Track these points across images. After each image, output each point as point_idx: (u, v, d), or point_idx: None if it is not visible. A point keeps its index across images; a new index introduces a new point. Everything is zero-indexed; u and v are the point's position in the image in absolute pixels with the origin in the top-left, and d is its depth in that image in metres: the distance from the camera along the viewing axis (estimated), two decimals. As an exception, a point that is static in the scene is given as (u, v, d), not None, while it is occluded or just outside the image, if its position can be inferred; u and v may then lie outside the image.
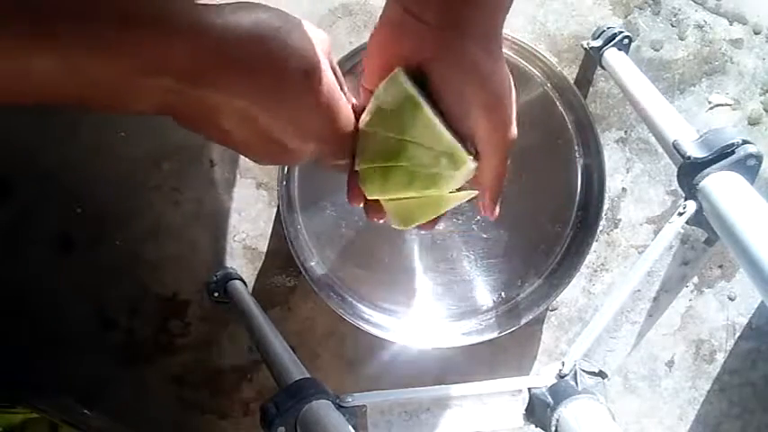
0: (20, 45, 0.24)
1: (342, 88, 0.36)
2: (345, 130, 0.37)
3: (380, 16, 0.37)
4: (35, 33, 0.25)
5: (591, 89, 0.80)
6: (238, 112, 0.32)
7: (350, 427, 0.50)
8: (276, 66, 0.31)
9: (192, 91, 0.30)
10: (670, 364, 0.86)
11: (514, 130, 0.38)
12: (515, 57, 0.70)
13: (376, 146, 0.38)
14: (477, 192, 0.39)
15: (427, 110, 0.36)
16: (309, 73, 0.32)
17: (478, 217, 0.74)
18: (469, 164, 0.37)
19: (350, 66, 0.67)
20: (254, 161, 0.37)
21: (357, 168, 0.39)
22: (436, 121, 0.36)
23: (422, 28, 0.35)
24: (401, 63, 0.36)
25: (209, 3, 0.30)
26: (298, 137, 0.35)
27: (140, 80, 0.28)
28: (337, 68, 0.36)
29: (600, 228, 0.80)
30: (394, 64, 0.37)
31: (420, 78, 0.37)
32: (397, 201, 0.40)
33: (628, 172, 0.82)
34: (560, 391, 0.57)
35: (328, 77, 0.34)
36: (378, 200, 0.40)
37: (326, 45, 0.35)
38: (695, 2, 0.80)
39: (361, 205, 0.42)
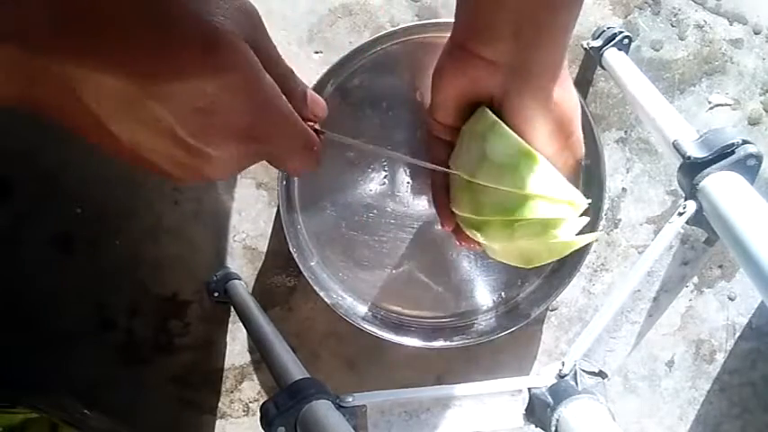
0: None
1: (287, 78, 0.30)
2: (281, 125, 0.29)
3: (444, 52, 0.38)
4: None
5: (591, 89, 0.80)
6: (117, 96, 0.23)
7: (350, 427, 0.50)
8: (157, 32, 0.22)
9: (47, 64, 0.22)
10: (670, 364, 0.86)
11: (582, 149, 0.40)
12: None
13: (496, 200, 0.38)
14: (600, 233, 0.43)
15: (544, 161, 0.38)
16: (211, 47, 0.24)
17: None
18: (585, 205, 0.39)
19: (350, 65, 0.67)
20: (172, 179, 0.28)
21: (469, 216, 0.40)
22: (554, 170, 0.38)
23: (491, 68, 0.36)
24: (469, 98, 0.38)
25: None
26: (208, 132, 0.26)
27: None
28: (269, 45, 0.29)
29: (600, 228, 0.80)
30: (462, 99, 0.38)
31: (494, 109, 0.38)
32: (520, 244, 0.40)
33: (628, 172, 0.82)
34: (560, 391, 0.57)
35: (245, 56, 0.26)
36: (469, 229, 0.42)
37: (253, 19, 0.27)
38: (695, 2, 0.80)
39: (450, 230, 0.42)
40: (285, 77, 0.30)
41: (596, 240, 0.43)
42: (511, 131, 0.37)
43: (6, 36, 0.20)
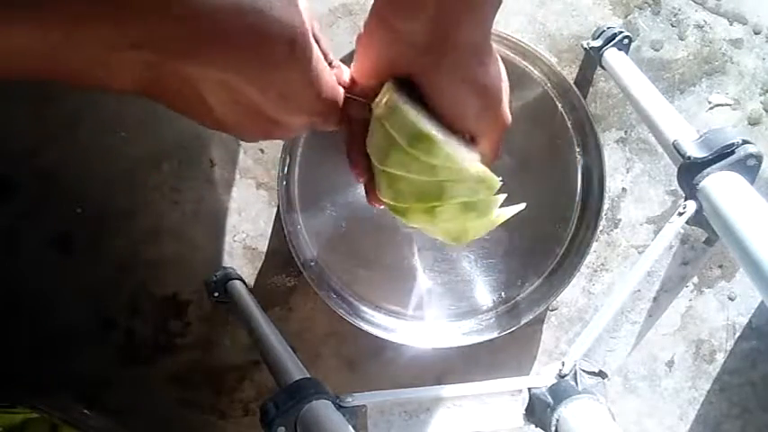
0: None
1: (326, 57, 0.36)
2: (333, 99, 0.36)
3: (365, 24, 0.38)
4: (12, 7, 0.22)
5: (591, 89, 0.80)
6: (222, 86, 0.30)
7: (350, 427, 0.50)
8: (259, 36, 0.28)
9: (170, 65, 0.27)
10: (670, 364, 0.86)
11: (508, 117, 0.39)
12: (515, 57, 0.70)
13: (411, 188, 0.38)
14: (524, 204, 0.42)
15: (445, 146, 0.36)
16: (294, 43, 0.30)
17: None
18: (498, 183, 0.39)
19: (350, 65, 0.67)
20: (244, 138, 0.37)
21: (389, 202, 0.40)
22: (456, 155, 0.36)
23: (410, 46, 0.36)
24: (389, 71, 0.37)
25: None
26: (286, 109, 0.33)
27: (115, 54, 0.26)
28: (320, 36, 0.35)
29: (600, 228, 0.80)
30: (382, 71, 0.38)
31: (412, 85, 0.37)
32: (445, 225, 0.40)
33: (628, 172, 0.82)
34: (560, 391, 0.57)
35: (313, 48, 0.32)
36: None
37: (309, 12, 0.33)
38: (695, 2, 0.80)
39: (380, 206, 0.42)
40: (326, 55, 0.36)
41: (522, 211, 0.42)
42: (410, 114, 0.35)
43: (145, 44, 0.25)
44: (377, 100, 0.37)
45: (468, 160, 0.37)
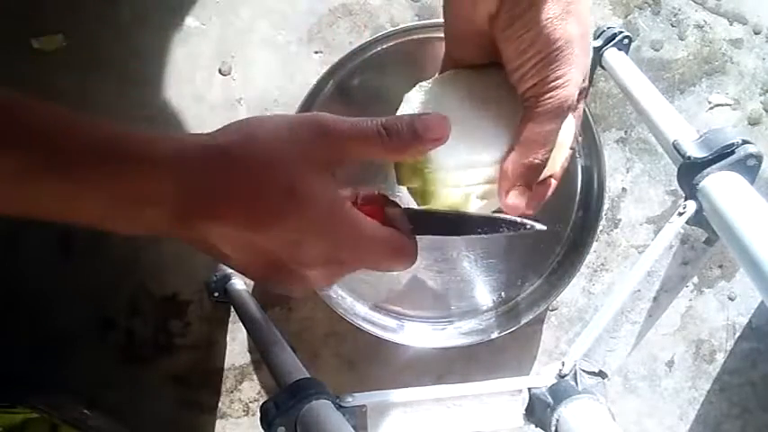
0: (21, 172, 0.27)
1: (373, 139, 0.33)
2: (362, 245, 0.33)
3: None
4: (32, 164, 0.27)
5: (591, 89, 0.80)
6: (232, 239, 0.31)
7: (350, 427, 0.50)
8: (255, 190, 0.30)
9: (178, 221, 0.30)
10: (670, 364, 0.86)
11: (571, 92, 0.34)
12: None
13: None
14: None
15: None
16: (290, 189, 0.30)
17: (478, 217, 0.74)
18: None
19: (350, 65, 0.67)
20: (271, 289, 0.37)
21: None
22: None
23: None
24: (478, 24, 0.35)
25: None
26: (306, 261, 0.33)
27: (127, 212, 0.29)
28: (348, 148, 0.33)
29: (600, 228, 0.79)
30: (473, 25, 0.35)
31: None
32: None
33: (628, 172, 0.82)
34: (560, 391, 0.57)
35: (319, 195, 0.31)
36: None
37: (321, 133, 0.32)
38: (695, 2, 0.80)
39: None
40: (367, 141, 0.33)
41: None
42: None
43: (165, 202, 0.29)
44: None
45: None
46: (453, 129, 0.34)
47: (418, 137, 0.33)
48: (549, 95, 0.34)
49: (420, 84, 0.38)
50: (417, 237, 0.36)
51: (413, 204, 0.38)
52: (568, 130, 0.36)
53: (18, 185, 0.27)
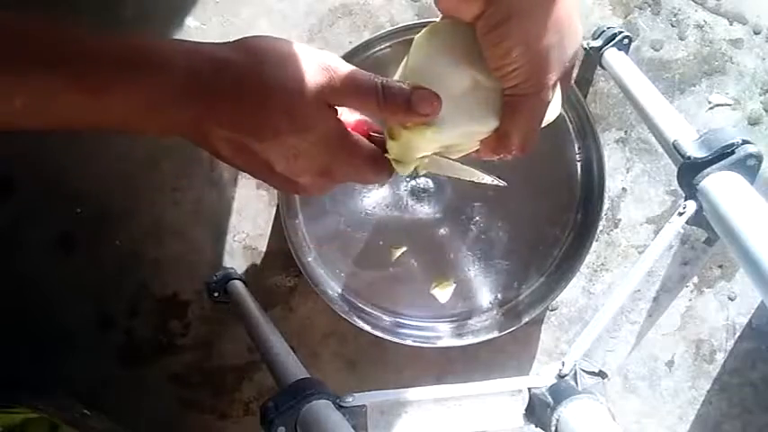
0: (50, 88, 0.30)
1: (368, 96, 0.35)
2: (349, 162, 0.37)
3: None
4: (61, 80, 0.30)
5: (591, 89, 0.80)
6: (233, 143, 0.34)
7: (350, 427, 0.50)
8: (258, 104, 0.33)
9: (189, 122, 0.33)
10: (670, 364, 0.86)
11: (548, 94, 0.36)
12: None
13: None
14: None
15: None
16: (290, 113, 0.34)
17: (477, 218, 0.74)
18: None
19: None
20: (274, 187, 0.39)
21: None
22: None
23: None
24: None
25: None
26: (298, 172, 0.36)
27: (146, 114, 0.33)
28: (349, 91, 0.35)
29: (600, 228, 0.79)
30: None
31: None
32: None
33: (628, 172, 0.82)
34: (560, 391, 0.57)
35: (318, 116, 0.35)
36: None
37: (328, 73, 0.35)
38: (695, 2, 0.80)
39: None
40: (365, 96, 0.36)
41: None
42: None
43: (178, 107, 0.33)
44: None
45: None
46: (443, 96, 0.36)
47: (410, 107, 0.35)
48: (527, 97, 0.36)
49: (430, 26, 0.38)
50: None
51: None
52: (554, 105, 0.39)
53: (43, 99, 0.30)
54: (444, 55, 0.37)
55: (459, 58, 0.36)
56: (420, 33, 0.38)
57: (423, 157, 0.39)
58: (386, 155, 0.39)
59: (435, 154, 0.40)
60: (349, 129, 0.38)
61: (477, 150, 0.40)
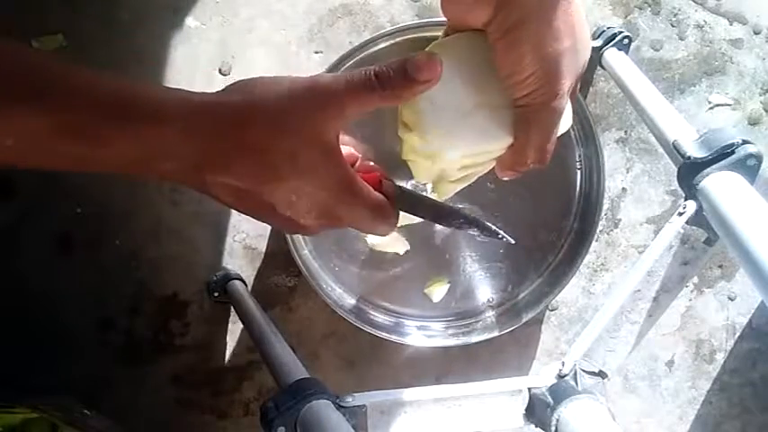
0: (40, 130, 0.29)
1: (367, 87, 0.34)
2: (351, 209, 0.36)
3: None
4: (51, 123, 0.29)
5: (591, 89, 0.80)
6: (233, 190, 0.34)
7: (350, 427, 0.50)
8: (259, 152, 0.33)
9: (184, 173, 0.33)
10: (670, 364, 0.86)
11: (563, 101, 0.35)
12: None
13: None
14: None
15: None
16: (293, 157, 0.33)
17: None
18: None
19: (349, 64, 0.66)
20: (275, 227, 0.39)
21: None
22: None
23: None
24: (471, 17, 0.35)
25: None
26: (301, 214, 0.35)
27: (141, 165, 0.32)
28: (347, 109, 0.34)
29: (600, 228, 0.80)
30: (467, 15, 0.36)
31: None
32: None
33: (628, 172, 0.82)
34: (560, 391, 0.57)
35: (323, 156, 0.34)
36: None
37: (326, 102, 0.33)
38: (695, 2, 0.80)
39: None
40: (362, 92, 0.34)
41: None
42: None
43: (177, 158, 0.32)
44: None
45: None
46: (453, 115, 0.35)
47: (409, 78, 0.34)
48: (541, 106, 0.35)
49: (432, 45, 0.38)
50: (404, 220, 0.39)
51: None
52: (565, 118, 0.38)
53: (33, 143, 0.29)
54: (452, 71, 0.36)
55: (468, 73, 0.36)
56: (426, 50, 0.37)
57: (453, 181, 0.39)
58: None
59: (457, 181, 0.40)
60: (358, 176, 0.36)
61: (492, 170, 0.40)
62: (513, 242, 0.39)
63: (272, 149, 0.33)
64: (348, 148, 0.39)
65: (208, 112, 0.32)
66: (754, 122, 0.82)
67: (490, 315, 0.76)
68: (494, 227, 0.39)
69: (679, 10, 0.80)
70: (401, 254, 0.72)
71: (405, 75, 0.34)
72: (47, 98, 0.29)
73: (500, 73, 0.35)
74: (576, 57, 0.35)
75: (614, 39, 0.74)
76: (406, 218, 0.39)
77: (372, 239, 0.71)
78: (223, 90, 0.34)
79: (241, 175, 0.33)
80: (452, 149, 0.36)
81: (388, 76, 0.34)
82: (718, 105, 0.82)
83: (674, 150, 0.59)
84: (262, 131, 0.33)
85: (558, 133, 0.38)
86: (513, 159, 0.38)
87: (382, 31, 0.66)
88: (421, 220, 0.40)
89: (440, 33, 0.40)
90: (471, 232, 0.39)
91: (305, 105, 0.33)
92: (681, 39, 0.80)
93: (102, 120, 0.30)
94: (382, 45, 0.67)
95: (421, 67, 0.33)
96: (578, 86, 0.40)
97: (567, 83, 0.35)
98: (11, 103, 0.28)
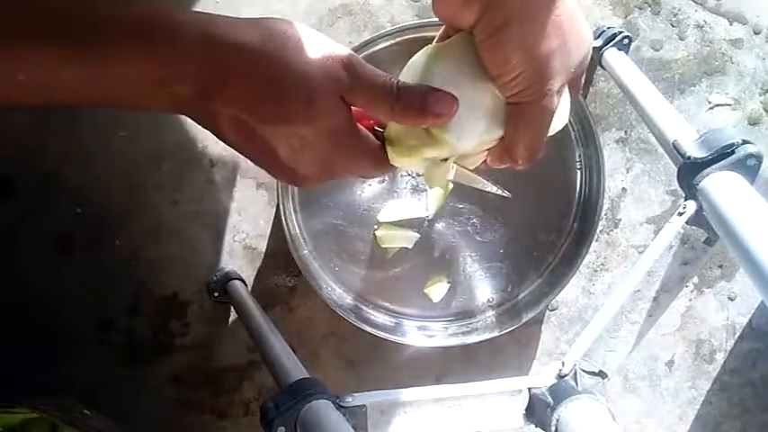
0: (55, 59, 0.29)
1: (381, 100, 0.35)
2: (352, 160, 0.37)
3: None
4: (67, 51, 0.29)
5: (591, 89, 0.80)
6: (240, 124, 0.33)
7: (350, 427, 0.50)
8: (276, 89, 0.32)
9: (198, 99, 0.32)
10: (670, 364, 0.86)
11: (552, 100, 0.35)
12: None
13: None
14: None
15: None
16: (308, 103, 0.33)
17: (474, 220, 0.74)
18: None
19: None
20: (273, 175, 0.38)
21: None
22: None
23: None
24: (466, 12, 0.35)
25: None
26: (301, 162, 0.35)
27: (154, 89, 0.31)
28: (365, 89, 0.35)
29: (600, 228, 0.80)
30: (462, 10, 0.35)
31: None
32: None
33: (628, 172, 0.82)
34: (560, 391, 0.57)
35: (330, 110, 0.34)
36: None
37: (346, 70, 0.34)
38: (695, 2, 0.80)
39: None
40: (379, 97, 0.35)
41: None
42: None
43: (176, 81, 0.31)
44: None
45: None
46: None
47: (425, 109, 0.34)
48: (530, 105, 0.35)
49: (425, 49, 0.38)
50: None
51: None
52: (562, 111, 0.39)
53: (47, 72, 0.29)
54: (449, 65, 0.36)
55: (465, 68, 0.36)
56: (421, 52, 0.38)
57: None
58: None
59: (455, 164, 0.40)
60: (358, 125, 0.37)
61: (485, 160, 0.40)
62: (508, 195, 0.39)
63: (289, 92, 0.33)
64: None
65: (229, 42, 0.32)
66: (754, 122, 0.82)
67: (490, 315, 0.76)
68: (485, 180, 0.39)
69: (679, 10, 0.80)
70: (410, 248, 0.72)
71: (423, 103, 0.34)
72: (62, 22, 0.29)
73: (490, 72, 0.35)
74: (567, 56, 0.35)
75: (614, 39, 0.74)
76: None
77: (381, 234, 0.72)
78: (252, 21, 0.33)
79: (251, 111, 0.33)
80: (458, 137, 0.36)
81: (408, 95, 0.34)
82: (718, 105, 0.82)
83: (674, 150, 0.59)
84: (282, 73, 0.32)
85: (554, 131, 0.38)
86: (503, 152, 0.38)
87: (382, 32, 0.66)
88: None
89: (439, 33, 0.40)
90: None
91: (332, 68, 0.33)
92: (681, 39, 0.80)
93: (116, 37, 0.30)
94: (382, 45, 0.67)
95: (440, 103, 0.34)
96: (580, 86, 0.40)
97: (555, 83, 0.35)
98: (27, 34, 0.28)
